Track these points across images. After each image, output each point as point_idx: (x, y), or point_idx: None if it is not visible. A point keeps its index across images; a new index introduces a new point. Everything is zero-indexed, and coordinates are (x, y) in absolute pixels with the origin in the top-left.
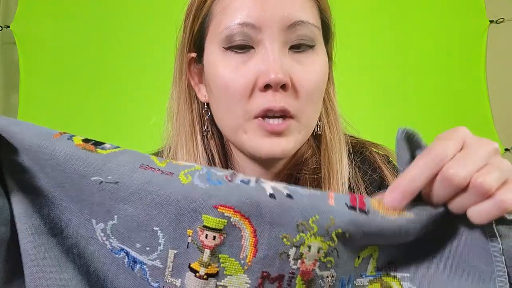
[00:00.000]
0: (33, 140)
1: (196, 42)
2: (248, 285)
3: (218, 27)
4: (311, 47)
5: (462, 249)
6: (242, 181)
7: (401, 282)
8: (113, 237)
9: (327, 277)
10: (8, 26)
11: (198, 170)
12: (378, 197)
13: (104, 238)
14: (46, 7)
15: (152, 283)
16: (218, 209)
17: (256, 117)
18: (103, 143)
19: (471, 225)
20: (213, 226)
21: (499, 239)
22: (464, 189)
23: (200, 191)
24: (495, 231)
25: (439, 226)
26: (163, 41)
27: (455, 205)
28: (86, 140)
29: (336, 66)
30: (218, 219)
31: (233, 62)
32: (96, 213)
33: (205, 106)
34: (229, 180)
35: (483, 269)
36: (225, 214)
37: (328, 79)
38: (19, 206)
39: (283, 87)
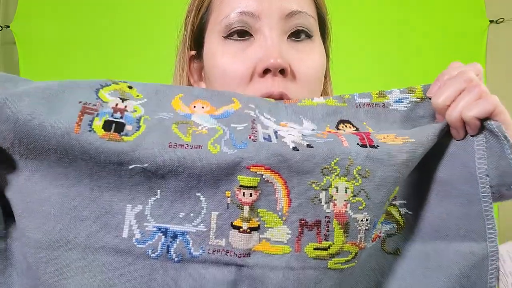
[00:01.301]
0: (58, 140)
1: (196, 39)
2: (289, 235)
3: (217, 19)
4: (309, 37)
5: (451, 176)
6: (264, 138)
7: (399, 209)
8: (150, 218)
9: (361, 220)
10: (8, 26)
11: (222, 136)
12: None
13: (135, 227)
14: (46, 7)
15: (194, 253)
16: (251, 169)
17: None
18: (123, 126)
19: (461, 151)
20: (248, 185)
21: (485, 155)
22: (467, 92)
23: (231, 157)
24: (484, 139)
25: (433, 155)
26: (164, 41)
27: (459, 103)
28: (106, 128)
29: (333, 65)
30: (251, 178)
31: (232, 50)
32: (135, 193)
33: None
34: (254, 140)
35: (469, 192)
36: (257, 172)
37: (325, 76)
38: (25, 220)
39: (282, 72)
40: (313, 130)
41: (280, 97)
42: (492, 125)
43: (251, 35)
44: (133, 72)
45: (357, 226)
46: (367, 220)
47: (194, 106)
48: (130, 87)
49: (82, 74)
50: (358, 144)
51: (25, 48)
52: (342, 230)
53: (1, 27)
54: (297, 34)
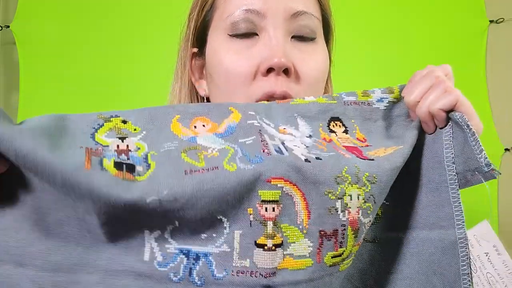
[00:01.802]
0: (65, 177)
1: (199, 36)
2: (311, 248)
3: (222, 16)
4: (312, 39)
5: (423, 167)
6: (276, 150)
7: None
8: (171, 240)
9: (367, 223)
10: (8, 26)
11: (235, 154)
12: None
13: (157, 249)
14: (46, 7)
15: (218, 275)
16: (272, 182)
17: (257, 101)
18: (134, 167)
19: (431, 143)
20: (270, 199)
21: (452, 144)
22: (433, 88)
23: (249, 172)
24: (450, 131)
25: (411, 156)
26: (164, 41)
27: (427, 98)
28: (118, 166)
29: (335, 68)
30: (273, 191)
31: (236, 47)
32: (151, 223)
33: (205, 101)
34: (268, 154)
35: (438, 180)
36: (278, 185)
37: (327, 78)
38: (44, 242)
39: (286, 72)
40: (311, 136)
41: (283, 97)
42: (456, 115)
43: (256, 33)
44: (133, 72)
45: (364, 229)
46: (370, 221)
47: (195, 126)
48: (124, 122)
49: (82, 74)
50: (356, 157)
51: (25, 48)
52: (354, 235)
53: (1, 27)
54: (301, 35)
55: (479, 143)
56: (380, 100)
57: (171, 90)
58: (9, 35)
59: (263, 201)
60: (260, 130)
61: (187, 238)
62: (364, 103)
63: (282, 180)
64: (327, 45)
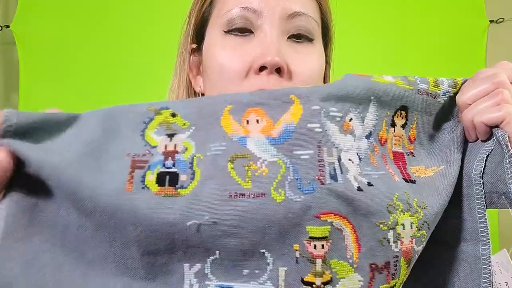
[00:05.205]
0: (108, 200)
1: (198, 33)
2: (362, 283)
3: (219, 12)
4: (309, 40)
5: (459, 182)
6: (330, 175)
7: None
8: (211, 276)
9: (420, 251)
10: (8, 26)
11: (285, 175)
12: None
13: (196, 286)
14: (46, 7)
15: None
16: (321, 218)
17: None
18: (178, 177)
19: (468, 152)
20: (320, 235)
21: (485, 159)
22: (488, 96)
23: (298, 205)
24: (490, 146)
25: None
26: (164, 41)
27: (476, 107)
28: (160, 182)
29: (334, 71)
30: (322, 228)
31: (231, 44)
32: (190, 255)
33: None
34: (322, 183)
35: (465, 193)
36: (328, 220)
37: (325, 82)
38: (82, 282)
39: (278, 71)
40: (370, 135)
41: None
42: (499, 132)
43: (251, 31)
44: (133, 72)
45: (416, 256)
46: (422, 247)
47: (247, 122)
48: (173, 115)
49: (82, 74)
50: (403, 179)
51: (25, 48)
52: (406, 265)
53: (1, 27)
54: (297, 36)
55: None
56: (444, 93)
57: (170, 85)
58: (9, 35)
59: (311, 237)
60: (320, 141)
61: (228, 274)
62: (432, 95)
63: (332, 214)
64: (325, 49)
